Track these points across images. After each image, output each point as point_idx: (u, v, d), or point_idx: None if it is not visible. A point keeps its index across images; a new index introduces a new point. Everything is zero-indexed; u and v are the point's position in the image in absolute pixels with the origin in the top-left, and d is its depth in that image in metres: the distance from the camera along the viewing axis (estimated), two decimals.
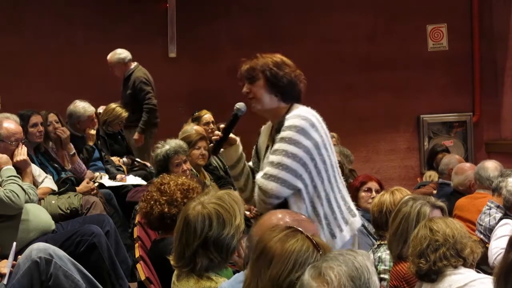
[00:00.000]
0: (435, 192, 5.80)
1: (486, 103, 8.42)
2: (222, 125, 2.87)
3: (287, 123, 2.73)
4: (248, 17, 8.25)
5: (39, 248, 3.40)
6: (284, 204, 2.72)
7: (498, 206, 4.39)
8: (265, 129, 3.03)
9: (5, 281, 3.30)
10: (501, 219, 4.25)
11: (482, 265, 3.98)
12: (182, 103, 7.83)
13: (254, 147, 3.03)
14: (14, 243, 3.49)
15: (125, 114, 6.37)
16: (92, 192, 4.80)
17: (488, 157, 8.01)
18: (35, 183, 4.41)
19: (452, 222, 2.85)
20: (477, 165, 5.28)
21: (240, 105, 2.85)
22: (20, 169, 4.25)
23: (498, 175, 4.54)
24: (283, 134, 2.71)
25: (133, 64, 6.82)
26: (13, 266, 3.38)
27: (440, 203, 3.27)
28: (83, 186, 4.82)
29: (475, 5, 8.36)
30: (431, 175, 6.95)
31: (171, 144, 4.57)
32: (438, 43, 8.45)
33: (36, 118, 4.96)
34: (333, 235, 2.77)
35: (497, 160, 5.14)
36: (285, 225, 2.02)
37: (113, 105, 6.43)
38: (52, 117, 5.29)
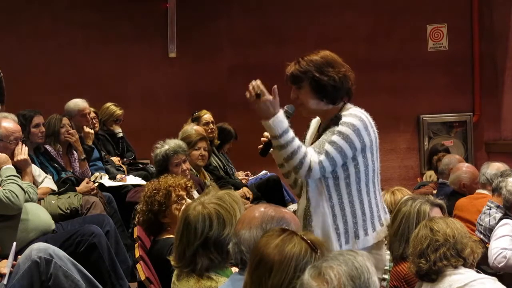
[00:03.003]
0: (435, 192, 5.80)
1: (486, 103, 8.42)
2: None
3: (344, 119, 2.75)
4: (248, 17, 8.25)
5: (39, 248, 3.39)
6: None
7: (498, 206, 4.38)
8: (314, 123, 3.03)
9: (5, 281, 3.30)
10: (501, 219, 4.25)
11: (482, 265, 3.98)
12: (182, 103, 7.83)
13: (302, 141, 3.02)
14: (14, 243, 3.49)
15: (119, 111, 6.36)
16: (92, 192, 4.80)
17: (488, 157, 8.03)
18: (35, 183, 4.41)
19: (452, 222, 2.85)
20: (476, 165, 5.27)
21: (288, 107, 2.81)
22: (20, 168, 4.25)
23: (498, 175, 4.54)
24: (341, 128, 2.73)
25: None
26: (13, 266, 3.38)
27: (439, 201, 3.27)
28: (83, 186, 4.82)
29: (475, 5, 8.36)
30: (431, 175, 6.95)
31: (171, 144, 4.56)
32: (438, 43, 8.45)
33: (38, 119, 4.97)
34: (356, 236, 2.79)
35: (497, 160, 5.14)
36: (279, 228, 2.01)
37: (107, 104, 6.42)
38: (65, 120, 5.33)
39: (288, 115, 2.79)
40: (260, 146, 2.84)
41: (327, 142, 2.72)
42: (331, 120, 2.81)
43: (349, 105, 2.86)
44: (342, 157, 2.72)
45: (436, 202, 3.24)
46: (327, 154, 2.69)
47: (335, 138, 2.72)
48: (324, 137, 2.76)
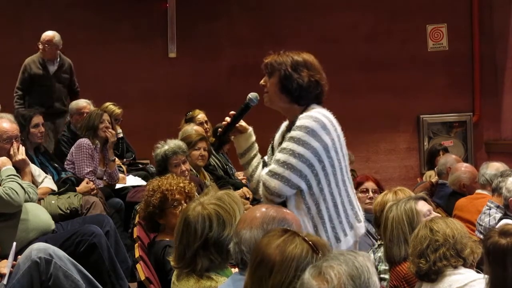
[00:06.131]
0: (433, 180, 5.80)
1: (486, 103, 8.43)
2: (232, 112, 2.82)
3: (298, 123, 2.72)
4: (248, 17, 8.25)
5: (39, 248, 3.39)
6: (284, 203, 2.71)
7: (498, 206, 4.38)
8: (283, 125, 3.01)
9: (5, 281, 3.30)
10: (501, 219, 4.25)
11: (482, 265, 3.97)
12: (182, 103, 7.83)
13: (272, 141, 3.01)
14: (14, 243, 3.49)
15: (118, 110, 6.34)
16: (92, 192, 4.80)
17: (488, 157, 8.03)
18: (35, 183, 4.40)
19: (452, 222, 2.85)
20: (476, 165, 5.28)
21: (252, 95, 2.82)
22: (19, 168, 4.25)
23: (498, 175, 4.54)
24: (292, 133, 2.70)
25: None
26: (13, 266, 3.38)
27: (421, 194, 3.27)
28: (83, 186, 4.82)
29: (475, 5, 8.37)
30: (431, 175, 6.96)
31: (170, 144, 4.56)
32: (438, 43, 8.46)
33: (37, 119, 4.97)
34: (337, 239, 2.75)
35: (497, 160, 5.14)
36: (281, 228, 2.01)
37: (106, 103, 6.41)
38: (106, 116, 5.41)
39: (250, 103, 2.80)
40: (219, 129, 2.85)
41: (279, 160, 2.69)
42: (289, 126, 2.80)
43: (313, 106, 2.81)
44: (307, 166, 2.68)
45: (418, 196, 3.25)
46: (281, 176, 2.66)
47: (290, 146, 2.68)
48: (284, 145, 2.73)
